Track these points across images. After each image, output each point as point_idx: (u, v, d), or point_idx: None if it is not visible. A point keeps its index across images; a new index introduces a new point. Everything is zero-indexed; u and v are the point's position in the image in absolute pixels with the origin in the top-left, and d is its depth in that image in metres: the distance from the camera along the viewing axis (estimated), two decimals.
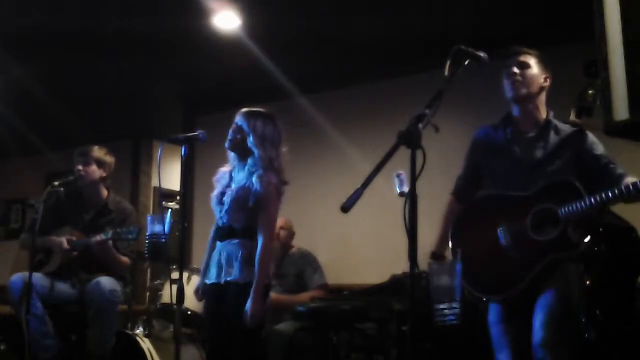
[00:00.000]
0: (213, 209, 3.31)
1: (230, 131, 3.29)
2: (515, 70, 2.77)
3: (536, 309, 2.55)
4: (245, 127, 3.24)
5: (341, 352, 4.02)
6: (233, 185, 3.25)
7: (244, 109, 3.31)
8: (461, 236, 2.82)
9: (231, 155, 3.35)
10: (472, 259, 2.59)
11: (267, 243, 3.13)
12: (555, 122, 2.81)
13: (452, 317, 3.60)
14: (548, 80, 2.83)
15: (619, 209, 2.93)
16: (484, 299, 2.74)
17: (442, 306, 3.62)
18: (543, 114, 2.82)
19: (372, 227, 5.35)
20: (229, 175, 3.34)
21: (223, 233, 3.23)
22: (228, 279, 3.13)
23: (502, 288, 2.64)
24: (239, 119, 3.28)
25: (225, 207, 3.21)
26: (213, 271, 3.20)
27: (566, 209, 2.51)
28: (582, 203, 2.48)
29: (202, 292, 3.34)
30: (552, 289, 2.55)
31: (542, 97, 2.83)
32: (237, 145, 3.27)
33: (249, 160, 3.22)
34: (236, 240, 3.17)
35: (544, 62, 2.84)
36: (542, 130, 2.78)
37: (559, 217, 2.53)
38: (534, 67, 2.79)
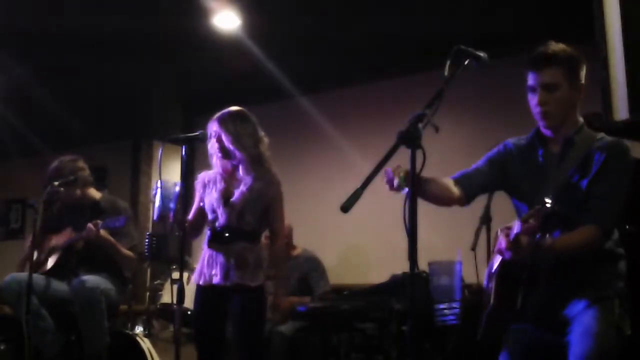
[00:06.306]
0: (211, 211, 3.24)
1: (213, 141, 3.26)
2: (542, 98, 2.26)
3: None
4: (220, 132, 3.25)
5: (341, 352, 4.03)
6: (242, 187, 3.21)
7: (215, 116, 3.32)
8: None
9: (220, 161, 3.29)
10: None
11: (283, 243, 3.38)
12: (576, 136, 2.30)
13: (452, 317, 3.61)
14: (582, 89, 2.28)
15: None
16: None
17: (442, 306, 3.64)
18: (573, 127, 2.32)
19: (372, 227, 5.35)
20: (221, 178, 3.29)
21: (230, 235, 3.19)
22: (239, 281, 3.12)
23: None
24: (212, 126, 3.28)
25: (236, 209, 3.18)
26: (217, 273, 3.16)
27: None
28: None
29: (198, 294, 3.25)
30: None
31: (575, 111, 2.33)
32: (223, 152, 3.25)
33: (243, 163, 3.23)
34: (244, 243, 3.18)
35: (576, 67, 2.27)
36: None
37: None
38: (564, 85, 2.24)
